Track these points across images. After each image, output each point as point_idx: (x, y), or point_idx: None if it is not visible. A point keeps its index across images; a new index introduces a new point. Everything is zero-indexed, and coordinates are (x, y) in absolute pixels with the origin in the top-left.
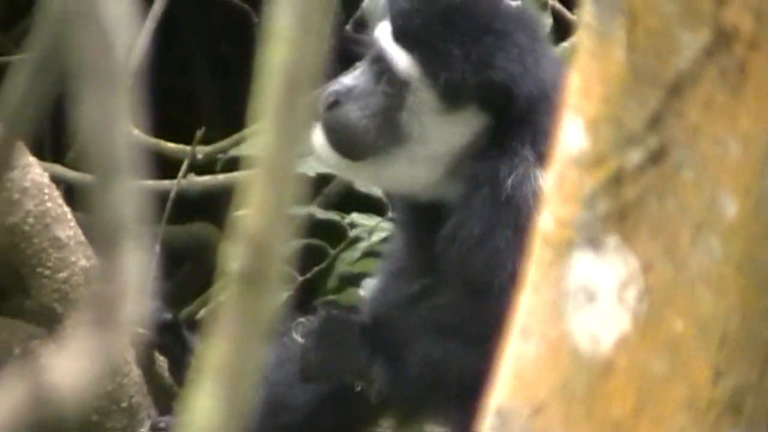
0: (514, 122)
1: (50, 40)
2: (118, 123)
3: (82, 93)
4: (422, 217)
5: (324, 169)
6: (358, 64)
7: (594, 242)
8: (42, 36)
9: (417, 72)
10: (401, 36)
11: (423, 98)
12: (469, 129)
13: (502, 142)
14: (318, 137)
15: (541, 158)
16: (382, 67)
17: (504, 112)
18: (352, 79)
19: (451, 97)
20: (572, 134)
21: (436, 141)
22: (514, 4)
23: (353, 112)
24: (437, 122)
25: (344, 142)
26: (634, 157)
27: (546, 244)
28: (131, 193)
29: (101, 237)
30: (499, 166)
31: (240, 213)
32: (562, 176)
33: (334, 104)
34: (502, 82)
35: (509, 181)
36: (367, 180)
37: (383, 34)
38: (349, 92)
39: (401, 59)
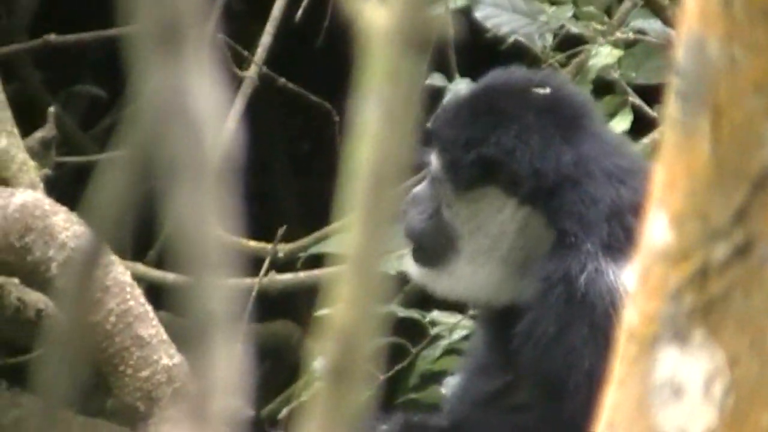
0: (553, 211)
1: (139, 141)
2: (209, 222)
3: (173, 190)
4: (502, 315)
5: (405, 268)
6: None
7: (680, 337)
8: (134, 135)
9: (437, 164)
10: (434, 140)
11: (447, 188)
12: (503, 217)
13: (563, 239)
14: (407, 255)
15: (601, 249)
16: (430, 172)
17: (533, 195)
18: (418, 187)
19: (456, 179)
20: (657, 228)
21: (479, 231)
22: (543, 91)
23: (414, 218)
24: (468, 211)
25: (416, 249)
26: (720, 251)
27: (631, 339)
28: (222, 289)
29: (193, 333)
30: (570, 265)
31: (325, 310)
32: (646, 271)
33: (403, 213)
34: (493, 156)
35: (582, 279)
36: (446, 290)
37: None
38: (413, 200)
39: (433, 159)
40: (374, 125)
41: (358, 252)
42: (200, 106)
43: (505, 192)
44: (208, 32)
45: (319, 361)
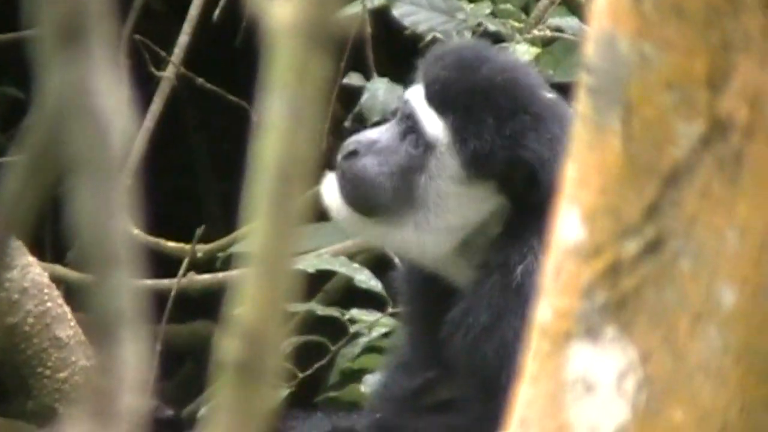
0: (530, 211)
1: (45, 138)
2: (114, 218)
3: (77, 188)
4: (429, 307)
5: (323, 266)
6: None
7: (592, 333)
8: (37, 133)
9: (447, 136)
10: (436, 100)
11: (446, 164)
12: (484, 207)
13: (515, 231)
14: (330, 187)
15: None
16: (409, 127)
17: (522, 198)
18: (376, 133)
19: (476, 167)
20: (569, 225)
21: (451, 212)
22: (549, 95)
23: (372, 166)
24: (455, 192)
25: (358, 195)
26: (632, 247)
27: (544, 335)
28: (128, 287)
29: (98, 331)
30: (511, 254)
31: (235, 309)
32: (559, 267)
33: (353, 154)
34: (529, 162)
35: (519, 270)
36: (374, 239)
37: (415, 96)
38: (371, 145)
39: (433, 121)
40: (280, 122)
41: (264, 250)
42: (104, 104)
43: (501, 189)
44: (116, 29)
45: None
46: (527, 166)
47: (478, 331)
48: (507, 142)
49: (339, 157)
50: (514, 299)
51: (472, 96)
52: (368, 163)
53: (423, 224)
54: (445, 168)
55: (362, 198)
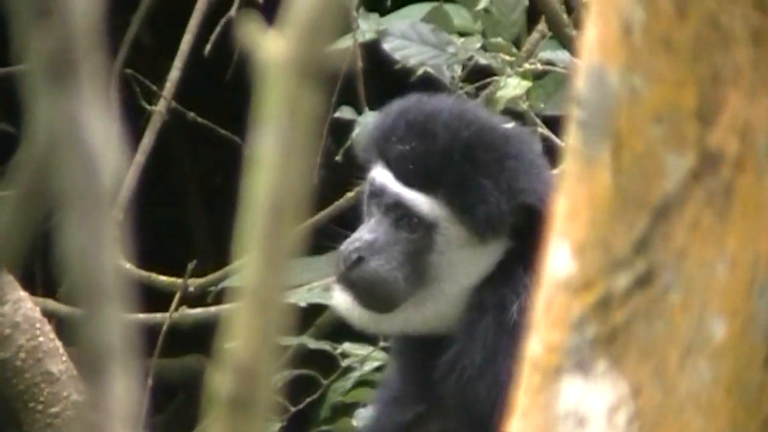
0: (522, 248)
1: (35, 172)
2: (104, 252)
3: (67, 222)
4: (419, 345)
5: (315, 300)
6: (366, 215)
7: (583, 367)
8: (27, 168)
9: (444, 212)
10: (413, 179)
11: (454, 235)
12: (495, 258)
13: (509, 269)
14: (342, 298)
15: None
16: (399, 214)
17: (525, 236)
18: (368, 232)
19: (488, 229)
20: (559, 258)
21: (465, 275)
22: (508, 126)
23: (381, 267)
24: (468, 257)
25: (376, 298)
26: (622, 280)
27: (534, 369)
28: (119, 321)
29: (88, 365)
30: (506, 293)
31: (227, 343)
32: (549, 301)
33: (359, 261)
34: (532, 204)
35: (514, 308)
36: (396, 329)
37: (387, 180)
38: (371, 246)
39: (422, 203)
40: (272, 156)
41: (256, 283)
42: (94, 137)
43: (511, 236)
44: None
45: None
46: (532, 208)
47: (472, 372)
48: (508, 193)
49: (342, 267)
50: (508, 338)
51: (451, 163)
52: (376, 266)
53: (438, 296)
54: (455, 239)
55: (381, 299)
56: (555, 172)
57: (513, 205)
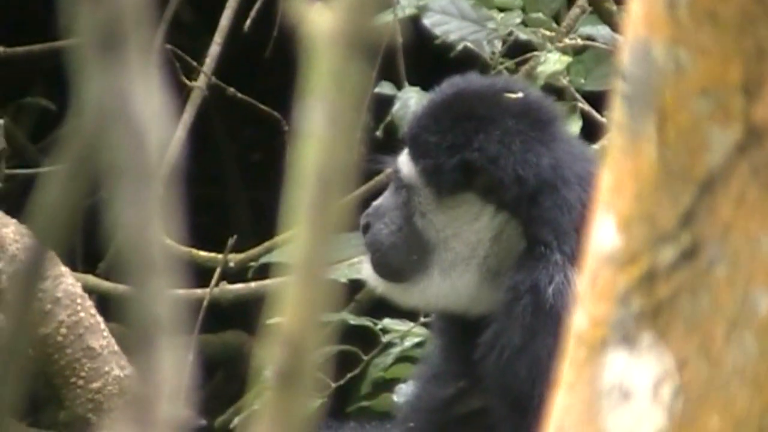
0: (546, 226)
1: (83, 147)
2: (152, 227)
3: (115, 196)
4: (461, 323)
5: (356, 276)
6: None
7: (628, 340)
8: (75, 142)
9: (413, 171)
10: (410, 149)
11: (424, 195)
12: (483, 223)
13: (537, 250)
14: (366, 267)
15: (570, 259)
16: (396, 180)
17: (507, 202)
18: (381, 199)
19: (438, 185)
20: (605, 232)
21: (457, 240)
22: (515, 96)
23: (381, 231)
24: (447, 219)
25: (381, 263)
26: (668, 254)
27: (580, 342)
28: (166, 295)
29: (135, 339)
30: (538, 276)
31: (274, 319)
32: (595, 274)
33: (366, 227)
34: (477, 161)
35: (550, 290)
36: (416, 302)
37: (403, 153)
38: (376, 212)
39: (403, 164)
40: (319, 131)
41: (304, 258)
42: (143, 112)
43: (484, 198)
44: (152, 38)
45: (268, 370)
46: (478, 166)
47: (511, 352)
48: (450, 151)
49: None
50: (546, 319)
51: (418, 125)
52: (377, 230)
53: (445, 265)
54: (426, 199)
55: (385, 264)
56: (595, 148)
57: (454, 162)
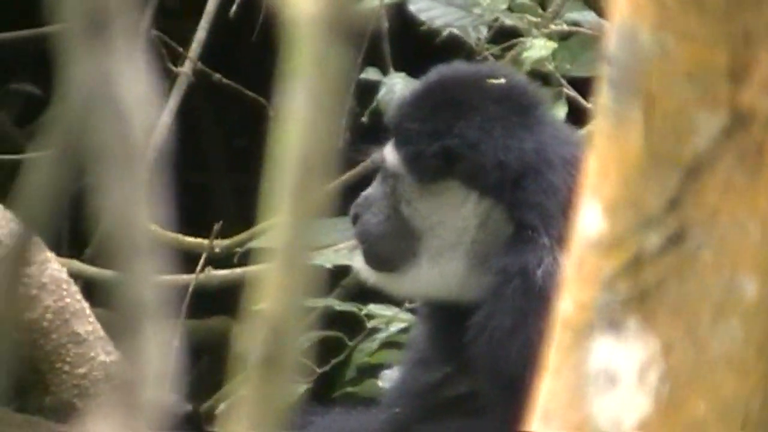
0: (532, 210)
1: (69, 131)
2: (138, 212)
3: (101, 181)
4: (447, 307)
5: (341, 262)
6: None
7: (614, 325)
8: (60, 127)
9: (396, 159)
10: (393, 135)
11: (408, 183)
12: (468, 210)
13: (524, 233)
14: (357, 259)
15: (558, 242)
16: (383, 169)
17: (490, 187)
18: (370, 189)
19: (420, 172)
20: (590, 217)
21: (443, 228)
22: (498, 82)
23: (369, 221)
24: (430, 206)
25: (371, 254)
26: (653, 239)
27: (566, 327)
28: (151, 279)
29: (121, 324)
30: (527, 259)
31: (255, 304)
32: (580, 259)
33: (356, 218)
34: (457, 148)
35: (539, 273)
36: (408, 291)
37: (389, 142)
38: (365, 202)
39: (390, 154)
40: (301, 114)
41: (286, 244)
42: (128, 96)
43: (467, 184)
44: (138, 24)
45: (250, 355)
46: (457, 152)
47: (502, 334)
48: (430, 137)
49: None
50: (536, 302)
51: (400, 113)
52: (366, 220)
53: (432, 253)
54: (410, 187)
55: (375, 254)
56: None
57: (434, 148)
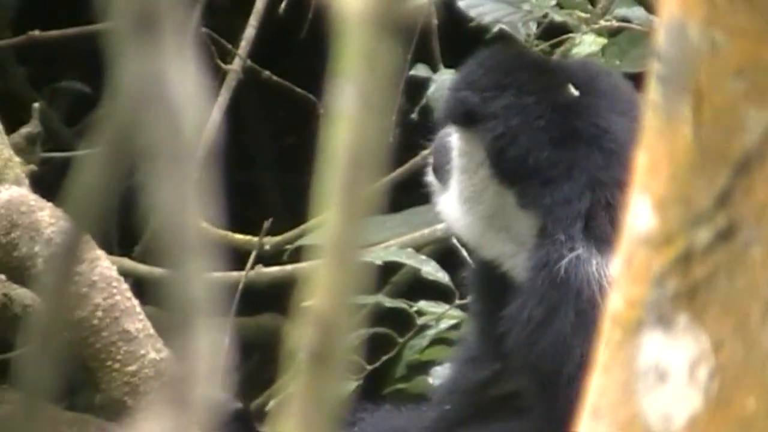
0: (560, 207)
1: (119, 129)
2: (188, 210)
3: (152, 178)
4: (494, 303)
5: (391, 258)
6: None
7: (664, 321)
8: (111, 125)
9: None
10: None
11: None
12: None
13: (550, 230)
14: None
15: (590, 239)
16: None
17: (472, 128)
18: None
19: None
20: (640, 213)
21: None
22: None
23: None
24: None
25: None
26: (703, 235)
27: (615, 324)
28: (202, 278)
29: (172, 321)
30: (549, 253)
31: (306, 301)
32: (630, 256)
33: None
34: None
35: (562, 266)
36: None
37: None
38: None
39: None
40: (350, 111)
41: (336, 241)
42: (178, 93)
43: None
44: (188, 20)
45: (301, 352)
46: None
47: (533, 327)
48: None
49: None
50: (564, 293)
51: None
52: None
53: (455, 197)
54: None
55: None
56: None
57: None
